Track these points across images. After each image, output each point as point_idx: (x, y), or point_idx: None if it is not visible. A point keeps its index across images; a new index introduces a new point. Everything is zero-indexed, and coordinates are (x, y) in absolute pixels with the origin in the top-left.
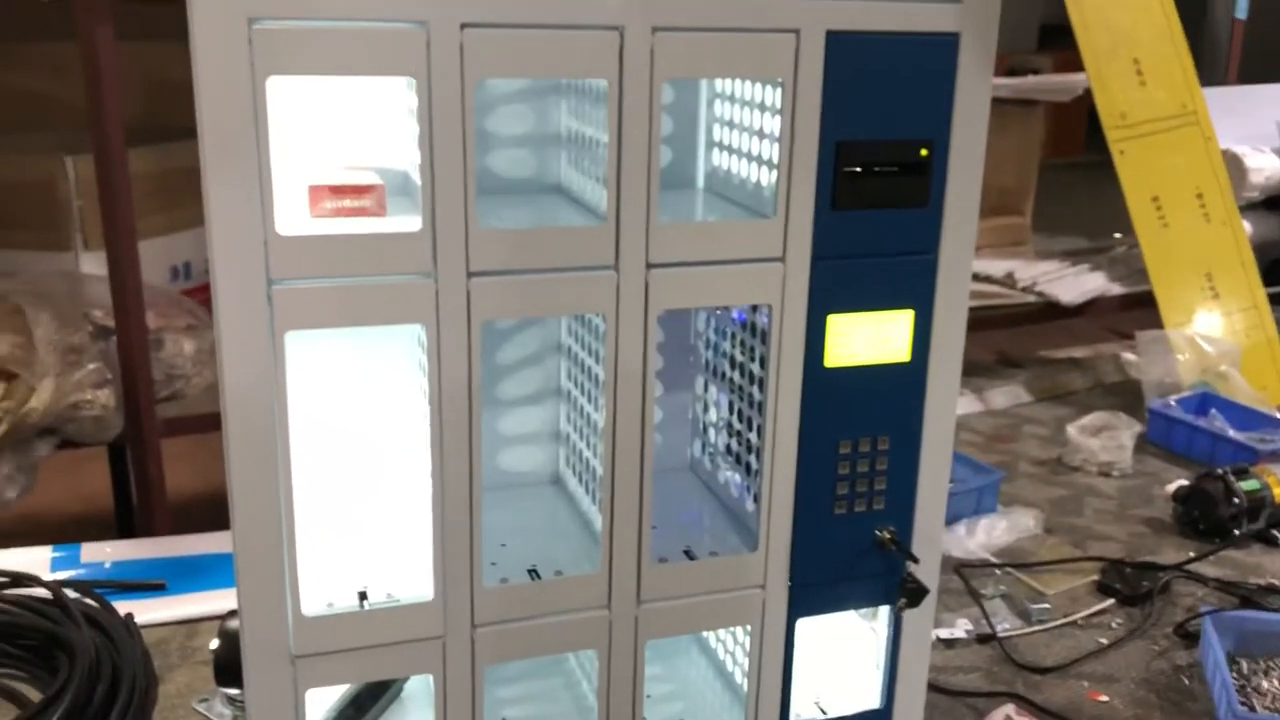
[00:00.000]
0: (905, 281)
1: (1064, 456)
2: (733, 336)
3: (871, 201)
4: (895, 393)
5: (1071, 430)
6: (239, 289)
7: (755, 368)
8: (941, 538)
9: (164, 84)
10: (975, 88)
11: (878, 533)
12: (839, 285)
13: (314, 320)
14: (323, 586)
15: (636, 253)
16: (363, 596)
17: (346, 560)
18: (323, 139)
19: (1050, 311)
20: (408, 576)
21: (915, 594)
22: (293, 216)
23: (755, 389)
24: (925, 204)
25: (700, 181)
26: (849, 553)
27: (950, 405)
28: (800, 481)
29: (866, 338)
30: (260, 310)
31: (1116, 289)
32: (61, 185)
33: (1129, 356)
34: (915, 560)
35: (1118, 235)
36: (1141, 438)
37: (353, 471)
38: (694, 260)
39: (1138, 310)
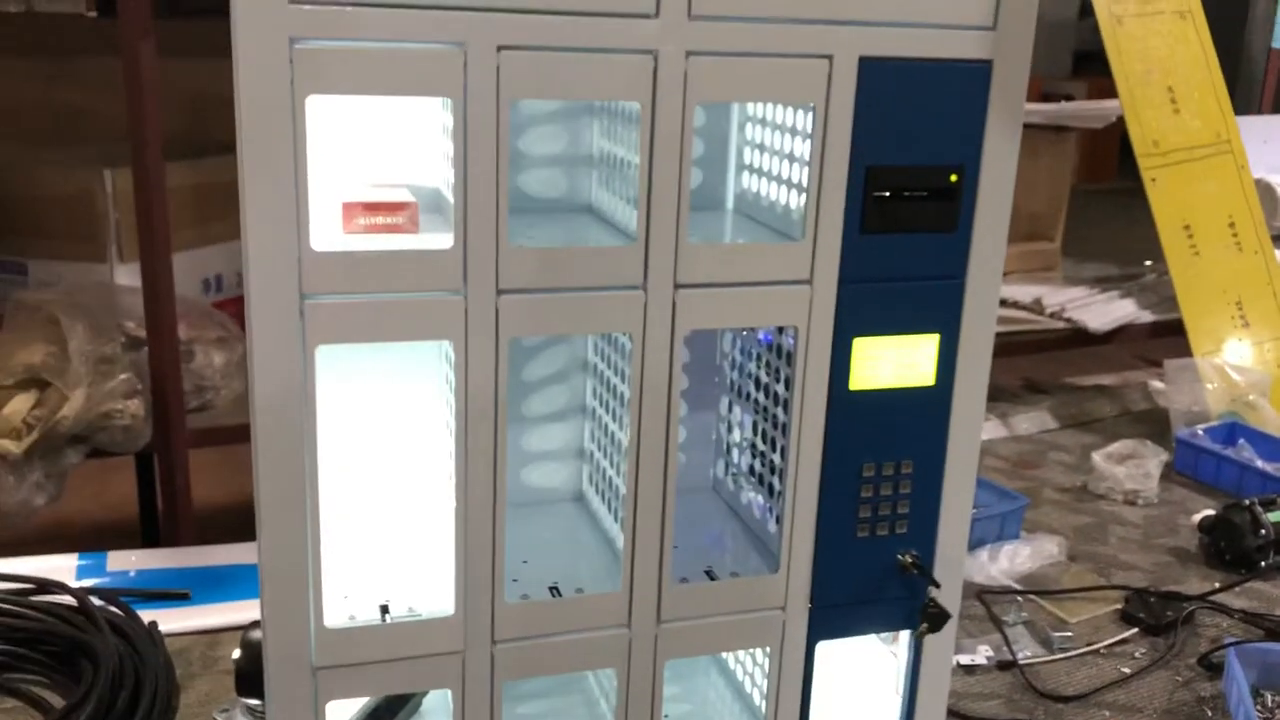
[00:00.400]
0: (932, 306)
1: (1089, 484)
2: (758, 357)
3: (900, 226)
4: (920, 417)
5: (1097, 458)
6: (272, 303)
7: (780, 389)
8: (964, 563)
9: (201, 99)
10: (1007, 115)
11: (900, 557)
12: (865, 309)
13: (345, 335)
14: (345, 599)
15: (665, 273)
16: (384, 610)
17: (369, 573)
18: (357, 156)
19: (1078, 338)
20: (430, 590)
21: (937, 619)
22: (326, 232)
23: (779, 410)
24: (954, 230)
25: (730, 203)
26: (870, 576)
27: (975, 430)
28: (823, 504)
29: (892, 361)
30: (292, 324)
31: (1146, 316)
32: (100, 198)
33: (1157, 384)
34: (937, 585)
35: (1148, 263)
36: (1168, 467)
37: (378, 485)
38: (722, 281)
39: (1167, 338)
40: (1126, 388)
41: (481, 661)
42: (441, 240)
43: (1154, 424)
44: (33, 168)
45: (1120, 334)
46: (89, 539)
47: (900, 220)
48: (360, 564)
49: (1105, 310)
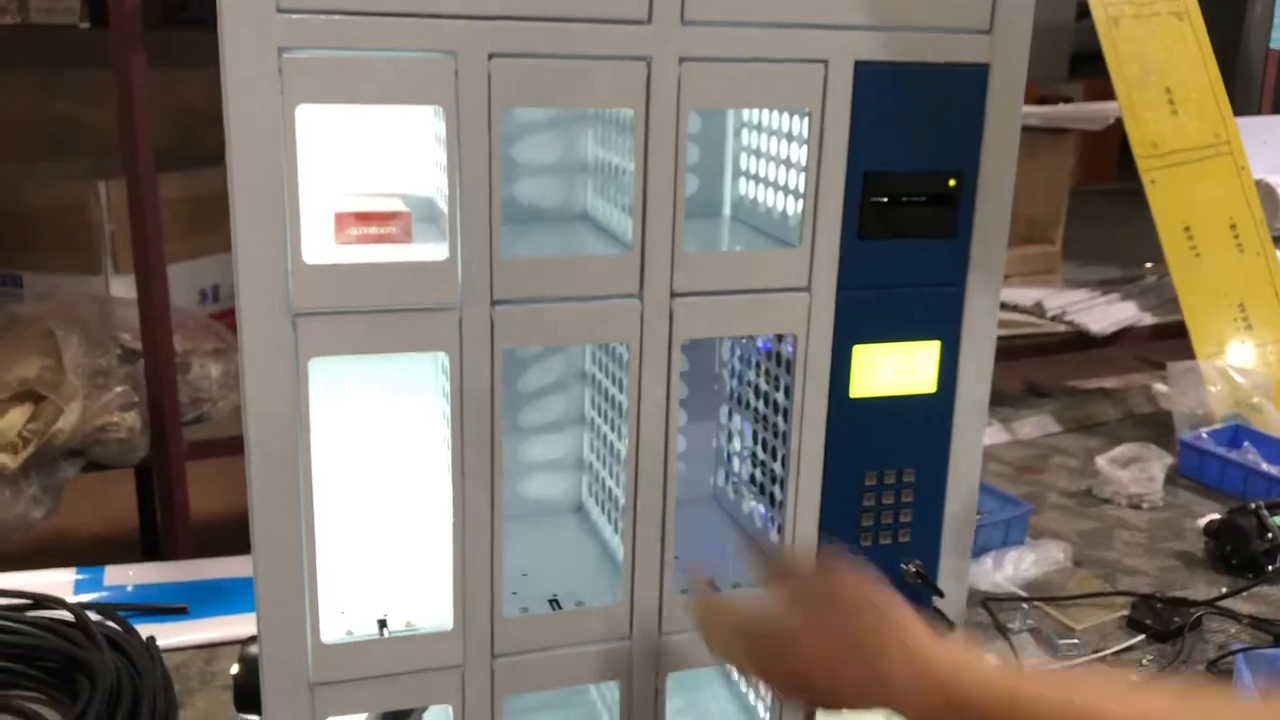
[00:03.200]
0: (932, 312)
1: (1093, 488)
2: (757, 365)
3: (898, 232)
4: (921, 424)
5: (1101, 462)
6: (264, 316)
7: (780, 397)
8: (968, 571)
9: (194, 111)
10: (1005, 118)
11: (903, 566)
12: (865, 316)
13: (338, 347)
14: (342, 614)
15: (661, 282)
16: (382, 624)
17: (366, 588)
18: (349, 166)
19: (1080, 341)
20: (428, 605)
21: (941, 628)
22: (318, 244)
23: (780, 419)
24: (953, 235)
25: (727, 210)
26: None
27: (977, 437)
28: (824, 513)
29: (892, 368)
30: (285, 337)
31: (1148, 318)
32: (94, 209)
33: (1160, 387)
34: (941, 594)
35: (1149, 264)
36: (1172, 470)
37: (374, 498)
38: (719, 289)
39: (1169, 340)
40: (1129, 391)
41: (481, 676)
42: (436, 251)
43: (1157, 427)
44: (27, 180)
45: (1122, 337)
46: (88, 552)
47: (899, 226)
48: (357, 578)
49: (1107, 313)
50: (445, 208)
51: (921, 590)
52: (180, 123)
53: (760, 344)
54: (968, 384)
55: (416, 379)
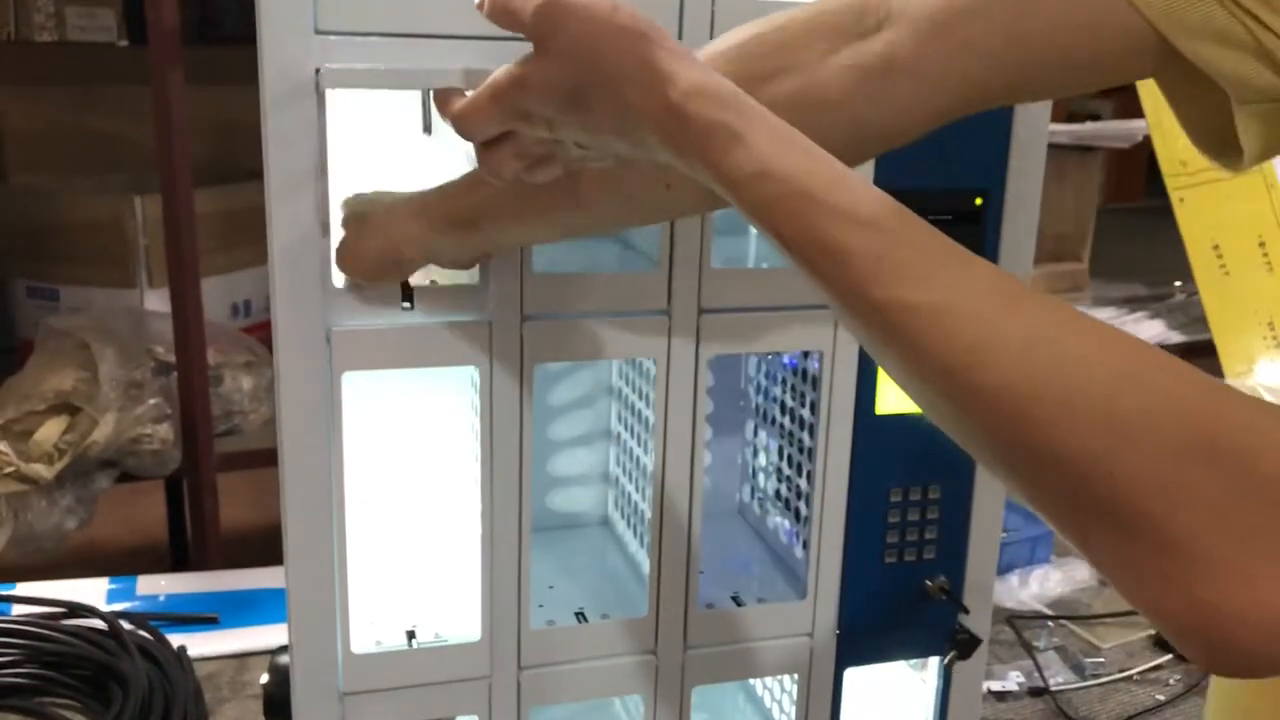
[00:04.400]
0: None
1: None
2: (783, 381)
3: None
4: (947, 441)
5: None
6: (298, 330)
7: (806, 413)
8: (993, 588)
9: (229, 126)
10: (1031, 136)
11: (929, 582)
12: None
13: (371, 362)
14: (372, 625)
15: (689, 298)
16: (411, 635)
17: (396, 599)
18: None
19: None
20: (456, 616)
21: (966, 645)
22: None
23: (805, 435)
24: (979, 254)
25: (753, 229)
26: (899, 602)
27: None
28: (850, 529)
29: None
30: (319, 351)
31: (1176, 336)
32: (129, 224)
33: None
34: (966, 611)
35: (1178, 283)
36: None
37: (404, 510)
38: (746, 306)
39: (1196, 359)
40: None
41: (508, 687)
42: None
43: None
44: (64, 195)
45: None
46: (119, 563)
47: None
48: (387, 590)
49: (1135, 331)
50: None
51: (947, 607)
52: (215, 138)
53: (787, 360)
54: None
55: (449, 392)
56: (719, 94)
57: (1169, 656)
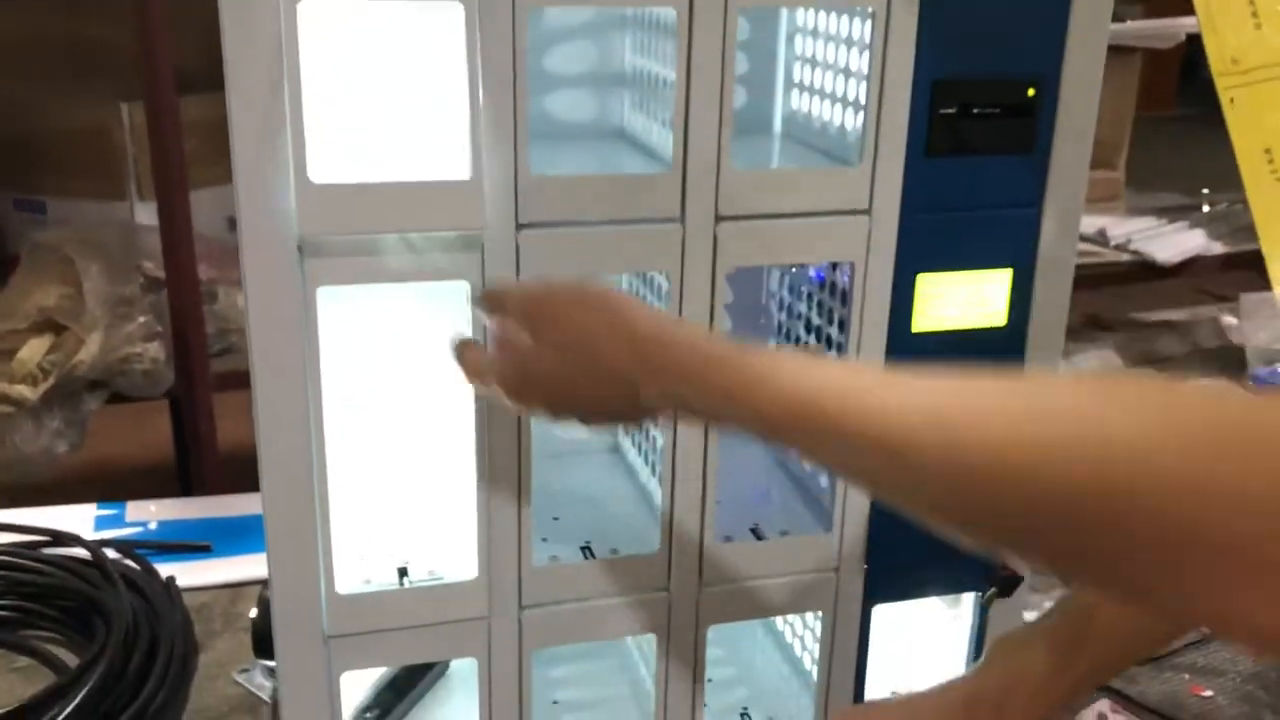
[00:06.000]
0: (1005, 237)
1: None
2: (809, 297)
3: (970, 147)
4: (992, 354)
5: None
6: (268, 241)
7: (834, 332)
8: None
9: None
10: (1092, 17)
11: None
12: (931, 241)
13: (349, 276)
14: (360, 562)
15: (705, 204)
16: (403, 573)
17: (386, 535)
18: (360, 75)
19: (1141, 272)
20: (452, 552)
21: (1009, 583)
22: (327, 161)
23: (833, 355)
24: (1031, 150)
25: (777, 126)
26: (933, 535)
27: (1053, 370)
28: None
29: (959, 300)
30: (291, 265)
31: (1217, 248)
32: (117, 132)
33: (1229, 320)
34: None
35: (1206, 191)
36: None
37: (394, 439)
38: (769, 212)
39: (1237, 272)
40: (1196, 324)
41: (508, 628)
42: (456, 170)
43: (1227, 362)
44: (49, 102)
45: (1188, 267)
46: (123, 487)
47: (970, 141)
48: (376, 525)
49: (1174, 242)
50: (468, 122)
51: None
52: (209, 43)
53: (813, 273)
54: (1042, 315)
55: (441, 305)
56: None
57: None
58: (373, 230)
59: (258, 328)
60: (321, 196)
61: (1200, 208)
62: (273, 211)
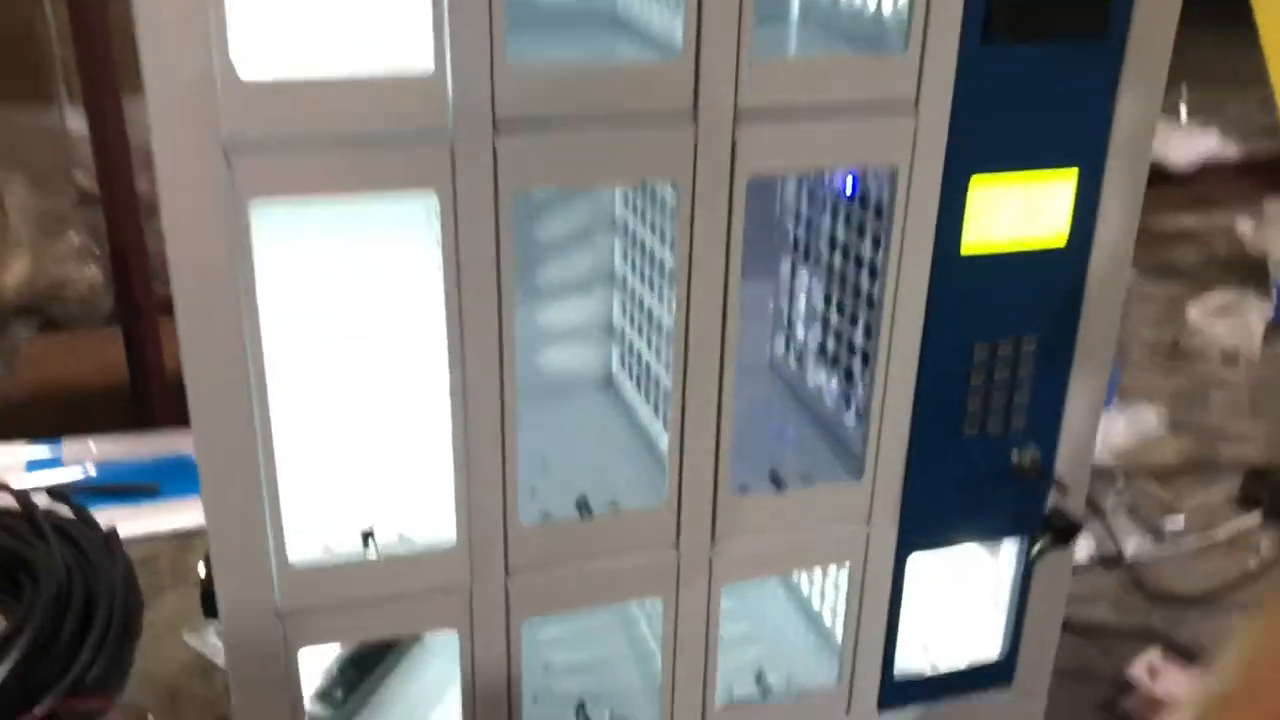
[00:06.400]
0: (1071, 133)
1: (1180, 339)
2: (834, 210)
3: (1034, 32)
4: (1049, 279)
5: (1193, 311)
6: (187, 146)
7: (866, 249)
8: (1090, 463)
9: None
10: None
11: (1015, 458)
12: (987, 140)
13: (288, 188)
14: (316, 527)
15: (722, 98)
16: (367, 538)
17: (347, 494)
18: None
19: (1154, 176)
20: (425, 512)
21: (1066, 533)
22: (258, 49)
23: (864, 277)
24: (1103, 34)
25: (794, 12)
26: (978, 480)
27: (1116, 297)
28: (921, 394)
29: (1016, 209)
30: (216, 175)
31: (1232, 151)
32: (40, 29)
33: (1246, 229)
34: (1065, 491)
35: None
36: (1268, 321)
37: (353, 382)
38: (798, 109)
39: (1255, 177)
40: (1211, 232)
41: (493, 597)
42: (417, 60)
43: (1245, 271)
44: None
45: (1203, 172)
46: (72, 424)
47: (1035, 24)
48: (334, 481)
49: (1188, 144)
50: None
51: (1036, 485)
52: None
53: (841, 184)
54: (1110, 226)
55: (404, 225)
56: None
57: (1256, 515)
58: (317, 132)
59: (179, 252)
60: (253, 94)
61: (1216, 108)
62: (194, 111)
